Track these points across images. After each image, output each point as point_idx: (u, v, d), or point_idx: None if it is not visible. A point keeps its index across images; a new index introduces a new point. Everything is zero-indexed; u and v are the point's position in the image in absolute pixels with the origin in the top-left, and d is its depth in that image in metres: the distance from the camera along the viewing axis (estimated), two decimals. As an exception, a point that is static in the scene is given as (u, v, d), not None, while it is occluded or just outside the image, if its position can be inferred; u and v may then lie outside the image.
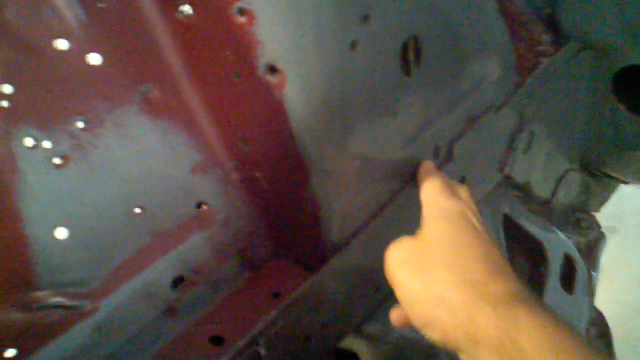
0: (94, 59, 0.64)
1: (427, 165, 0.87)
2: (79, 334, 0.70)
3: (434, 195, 0.77)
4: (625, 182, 1.47)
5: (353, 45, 0.72)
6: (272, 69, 0.67)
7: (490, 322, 0.56)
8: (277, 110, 0.70)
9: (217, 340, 0.78)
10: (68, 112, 0.64)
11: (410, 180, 0.90)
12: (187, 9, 0.66)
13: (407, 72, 0.82)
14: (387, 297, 1.01)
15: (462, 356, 0.61)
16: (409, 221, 0.92)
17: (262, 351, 0.77)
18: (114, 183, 0.70)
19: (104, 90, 0.66)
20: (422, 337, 1.03)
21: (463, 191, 0.79)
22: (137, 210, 0.73)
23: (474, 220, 0.71)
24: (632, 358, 2.34)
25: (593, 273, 1.41)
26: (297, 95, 0.69)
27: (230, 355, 0.75)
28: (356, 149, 0.80)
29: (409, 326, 0.72)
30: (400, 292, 0.69)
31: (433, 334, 0.64)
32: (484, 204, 1.11)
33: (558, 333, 0.53)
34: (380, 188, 0.88)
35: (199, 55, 0.70)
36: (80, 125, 0.65)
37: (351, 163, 0.80)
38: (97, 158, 0.67)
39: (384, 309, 1.02)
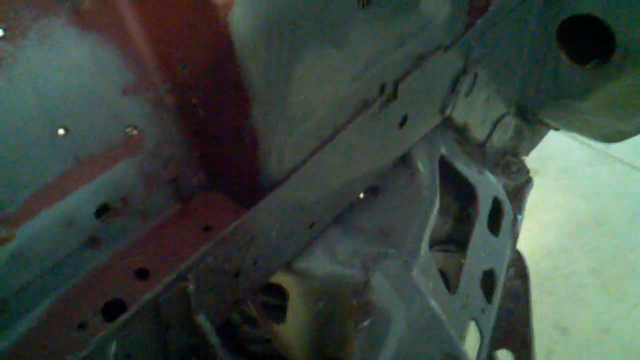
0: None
1: None
2: (-8, 261, 0.64)
3: None
4: (556, 129, 1.49)
5: None
6: (220, -13, 0.61)
7: None
8: (220, 33, 0.64)
9: (142, 273, 0.74)
10: (-16, 18, 0.56)
11: (354, 116, 0.87)
12: None
13: (361, 3, 0.77)
14: (320, 233, 1.00)
15: None
16: (349, 158, 0.90)
17: (190, 286, 0.74)
18: (36, 100, 0.63)
19: (27, -1, 0.59)
20: (350, 274, 1.04)
21: None
22: (61, 131, 0.66)
23: None
24: (542, 296, 2.45)
25: (518, 216, 1.44)
26: (243, 17, 0.63)
27: (156, 289, 0.71)
28: (302, 80, 0.75)
29: None
30: None
31: None
32: (422, 143, 1.10)
33: None
34: (323, 123, 0.84)
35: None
36: (0, 33, 0.57)
37: (296, 95, 0.76)
38: (17, 72, 0.60)
39: (315, 245, 1.01)
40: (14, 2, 0.58)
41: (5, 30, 0.57)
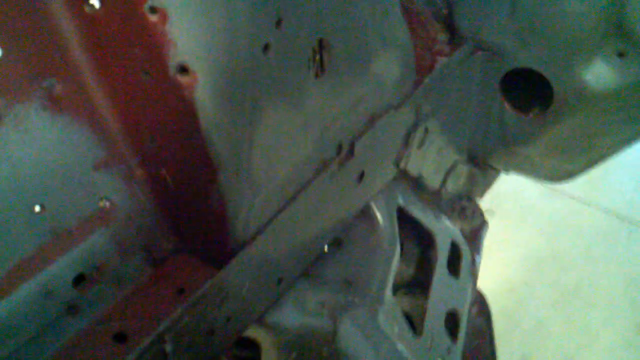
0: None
1: None
2: (-25, 337, 0.67)
3: None
4: (507, 172, 1.57)
5: (266, 48, 0.72)
6: (183, 69, 0.66)
7: None
8: (186, 109, 0.69)
9: (120, 338, 0.77)
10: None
11: (314, 176, 0.92)
12: (95, 2, 0.64)
13: (316, 74, 0.83)
14: (288, 287, 1.04)
15: None
16: (312, 214, 0.95)
17: (168, 348, 0.77)
18: (12, 181, 0.67)
19: (3, 85, 0.63)
20: (319, 324, 1.08)
21: None
22: (37, 208, 0.70)
23: None
24: (509, 329, 2.51)
25: (477, 257, 1.50)
26: (207, 95, 0.69)
27: (135, 352, 0.74)
28: (264, 146, 0.81)
29: None
30: None
31: None
32: (381, 195, 1.15)
33: None
34: (286, 185, 0.89)
35: (106, 51, 0.68)
36: (-23, 121, 0.62)
37: (259, 161, 0.81)
38: (-8, 155, 0.65)
39: (285, 299, 1.05)
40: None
41: (-19, 118, 0.62)
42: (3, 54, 0.62)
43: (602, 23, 1.07)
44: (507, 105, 1.25)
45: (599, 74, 1.13)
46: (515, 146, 1.32)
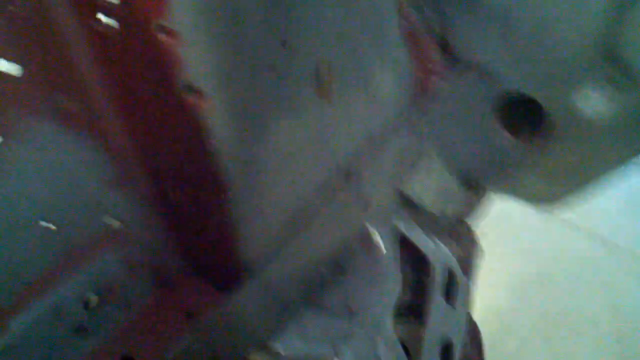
0: (5, 66, 0.61)
1: None
2: (-15, 356, 0.66)
3: None
4: (500, 195, 1.57)
5: (272, 68, 0.73)
6: (193, 89, 0.66)
7: None
8: (196, 129, 0.69)
9: (128, 361, 0.76)
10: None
11: (324, 202, 0.93)
12: (106, 20, 0.64)
13: (320, 94, 0.84)
14: (292, 315, 1.03)
15: None
16: (320, 241, 0.95)
17: None
18: (24, 198, 0.66)
19: (16, 101, 0.63)
20: (320, 353, 1.07)
21: None
22: (47, 226, 0.70)
23: None
24: (496, 356, 2.50)
25: (471, 284, 1.50)
26: (217, 115, 0.69)
27: None
28: (273, 168, 0.81)
29: None
30: None
31: None
32: (383, 221, 1.16)
33: None
34: (297, 211, 0.89)
35: (117, 69, 0.68)
36: (-11, 137, 0.61)
37: (268, 183, 0.81)
38: (6, 172, 0.64)
39: (287, 324, 1.04)
40: (2, 107, 0.62)
41: (-7, 134, 0.61)
42: (15, 69, 0.62)
43: (593, 50, 1.09)
44: (499, 128, 1.26)
45: (590, 100, 1.15)
46: (508, 169, 1.34)
